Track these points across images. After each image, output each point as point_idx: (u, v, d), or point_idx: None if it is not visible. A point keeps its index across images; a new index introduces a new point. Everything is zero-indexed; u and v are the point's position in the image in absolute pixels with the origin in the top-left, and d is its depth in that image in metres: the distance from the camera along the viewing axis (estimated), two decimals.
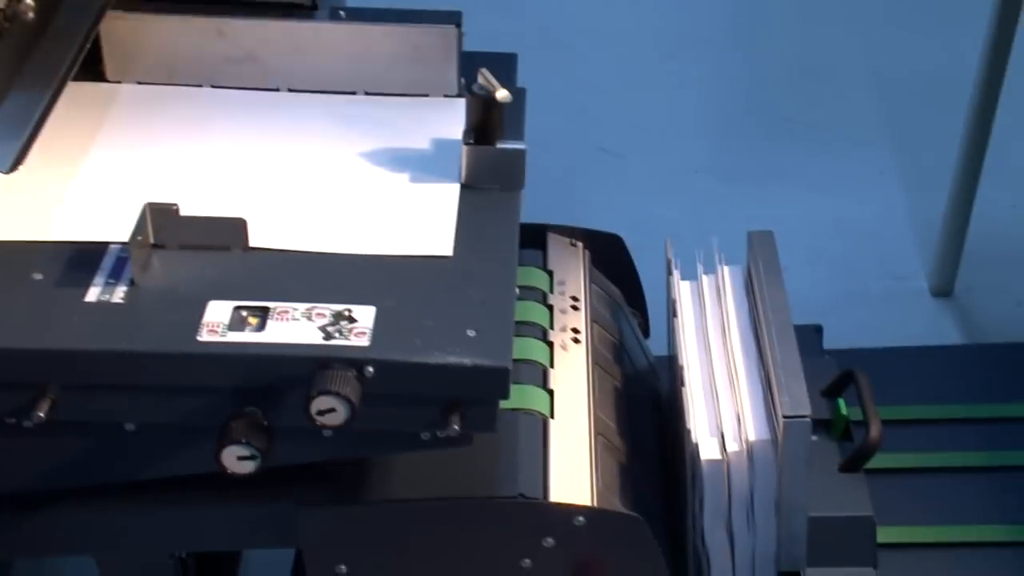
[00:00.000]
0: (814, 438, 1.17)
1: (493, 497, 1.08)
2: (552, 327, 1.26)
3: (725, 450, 1.17)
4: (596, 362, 1.26)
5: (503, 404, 1.01)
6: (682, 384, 1.23)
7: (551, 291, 1.30)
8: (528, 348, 1.22)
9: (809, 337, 1.38)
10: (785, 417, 1.13)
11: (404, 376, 0.97)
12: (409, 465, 1.10)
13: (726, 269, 1.32)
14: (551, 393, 1.20)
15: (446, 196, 1.13)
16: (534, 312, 1.27)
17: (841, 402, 1.31)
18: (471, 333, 0.99)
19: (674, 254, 1.33)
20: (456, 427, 0.98)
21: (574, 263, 1.34)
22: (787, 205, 2.05)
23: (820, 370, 1.33)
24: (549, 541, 1.09)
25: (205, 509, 1.09)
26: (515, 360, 1.12)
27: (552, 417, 1.18)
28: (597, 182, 2.12)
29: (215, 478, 1.00)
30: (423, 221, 1.10)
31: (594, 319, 1.30)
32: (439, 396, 0.98)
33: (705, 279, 1.33)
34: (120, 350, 0.97)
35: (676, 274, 1.33)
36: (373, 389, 0.97)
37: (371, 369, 0.96)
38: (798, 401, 1.13)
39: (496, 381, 0.98)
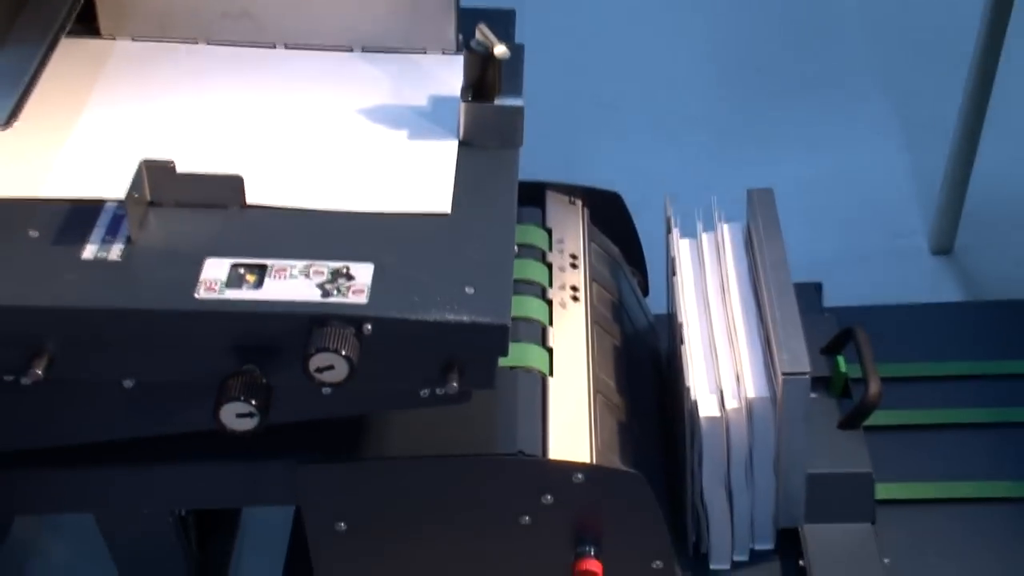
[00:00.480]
0: (813, 395, 1.17)
1: (492, 454, 1.07)
2: (551, 285, 1.25)
3: (724, 408, 1.16)
4: (595, 320, 1.24)
5: (502, 362, 1.00)
6: (681, 342, 1.22)
7: (550, 249, 1.29)
8: (527, 306, 1.21)
9: (809, 295, 1.38)
10: (784, 374, 1.12)
11: (402, 333, 0.96)
12: (408, 422, 1.09)
13: (726, 227, 1.30)
14: (550, 351, 1.19)
15: (444, 153, 1.11)
16: (533, 270, 1.25)
17: (840, 359, 1.31)
18: (469, 290, 0.98)
19: (673, 211, 1.31)
20: (455, 384, 0.97)
21: (573, 221, 1.32)
22: (786, 162, 2.03)
23: (819, 327, 1.33)
24: (548, 498, 1.08)
25: (204, 467, 1.09)
26: (514, 318, 1.11)
27: (551, 375, 1.17)
28: (596, 138, 2.09)
29: (214, 436, 0.98)
30: (421, 178, 1.09)
31: (593, 277, 1.29)
32: (437, 353, 0.98)
33: (704, 237, 1.31)
34: (117, 307, 0.96)
35: (675, 232, 1.31)
36: (371, 346, 0.96)
37: (369, 326, 0.96)
38: (797, 358, 1.12)
39: (495, 338, 0.97)
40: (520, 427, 1.09)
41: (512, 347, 1.02)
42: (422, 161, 1.11)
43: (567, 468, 1.07)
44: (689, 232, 1.32)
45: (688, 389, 1.17)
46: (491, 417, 1.09)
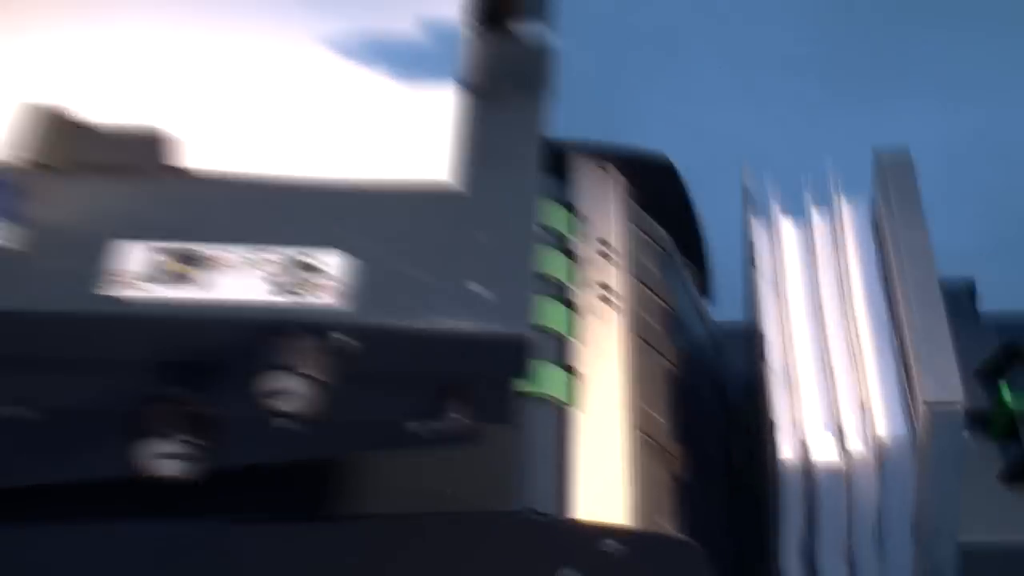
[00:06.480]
0: (967, 435, 1.13)
1: (493, 513, 1.06)
2: (574, 282, 1.23)
3: (847, 451, 1.13)
4: (636, 331, 1.22)
5: None
6: (761, 358, 1.21)
7: (572, 233, 1.26)
8: (541, 311, 1.18)
9: (958, 297, 1.34)
10: (928, 404, 1.09)
11: (385, 346, 0.97)
12: (384, 470, 1.08)
13: (844, 203, 1.31)
14: (571, 372, 1.16)
15: (441, 101, 1.11)
16: (549, 262, 1.22)
17: (1004, 387, 1.27)
18: (476, 288, 0.98)
19: (761, 183, 1.31)
20: (457, 415, 0.97)
21: (604, 195, 1.30)
22: (917, 117, 2.02)
23: (974, 342, 1.28)
24: (568, 573, 1.06)
25: (103, 527, 1.07)
26: None
27: (573, 405, 1.15)
28: (644, 83, 2.08)
29: (119, 485, 0.98)
30: (410, 136, 1.09)
31: (633, 272, 1.26)
32: (431, 374, 0.98)
33: (816, 216, 1.31)
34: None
35: (777, 210, 1.31)
36: (342, 364, 0.96)
37: (340, 337, 0.95)
38: (946, 383, 1.10)
39: (511, 354, 0.97)
40: (530, 475, 1.07)
41: None
42: (412, 112, 1.11)
43: (595, 532, 1.05)
44: (791, 210, 1.31)
45: (772, 424, 1.15)
46: (491, 462, 1.06)
